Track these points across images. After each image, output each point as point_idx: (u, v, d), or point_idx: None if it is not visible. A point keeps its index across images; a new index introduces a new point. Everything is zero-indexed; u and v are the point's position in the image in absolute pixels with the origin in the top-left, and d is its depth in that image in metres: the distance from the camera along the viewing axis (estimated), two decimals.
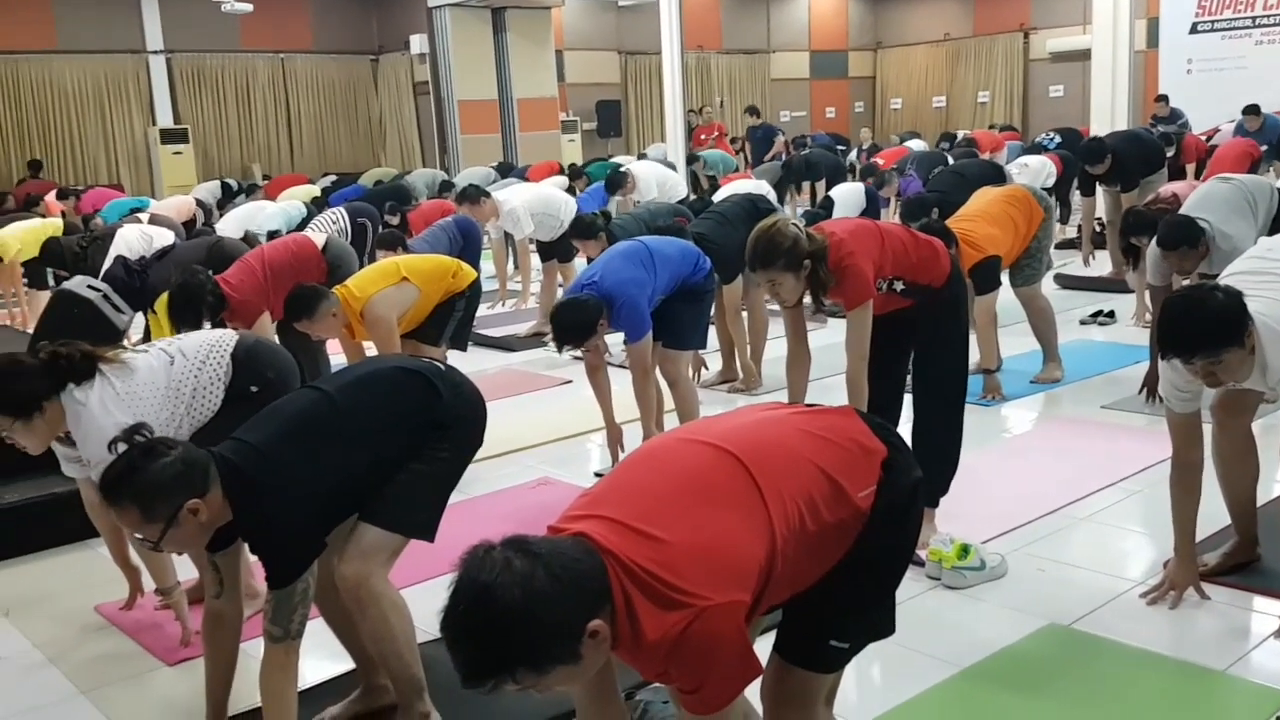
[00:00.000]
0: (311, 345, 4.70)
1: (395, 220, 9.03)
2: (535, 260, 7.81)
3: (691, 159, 11.69)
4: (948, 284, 3.34)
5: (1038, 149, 10.23)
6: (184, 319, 4.42)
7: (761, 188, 7.43)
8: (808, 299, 3.32)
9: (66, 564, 3.73)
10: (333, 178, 14.05)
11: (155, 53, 15.66)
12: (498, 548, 1.46)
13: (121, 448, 2.14)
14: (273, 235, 8.38)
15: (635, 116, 19.36)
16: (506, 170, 13.36)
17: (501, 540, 1.48)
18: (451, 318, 4.63)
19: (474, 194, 7.00)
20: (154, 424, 2.69)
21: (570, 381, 5.62)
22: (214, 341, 2.97)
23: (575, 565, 1.48)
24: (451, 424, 2.43)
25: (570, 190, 9.58)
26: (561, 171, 13.44)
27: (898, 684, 2.57)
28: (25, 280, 8.03)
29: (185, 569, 3.16)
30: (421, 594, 3.13)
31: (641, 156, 15.12)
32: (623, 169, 8.69)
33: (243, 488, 2.14)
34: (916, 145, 15.34)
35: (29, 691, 2.87)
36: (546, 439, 4.83)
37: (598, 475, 4.30)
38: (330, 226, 7.08)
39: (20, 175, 14.51)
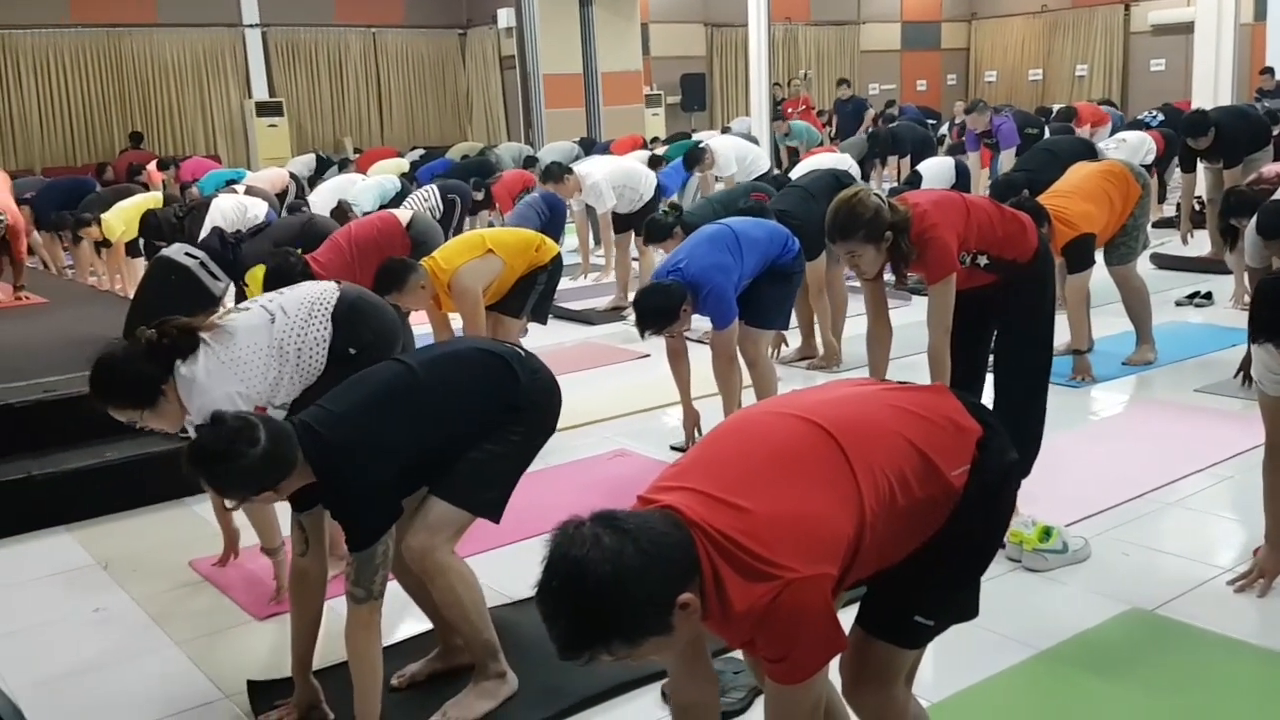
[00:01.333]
0: (398, 316, 4.81)
1: (480, 195, 9.19)
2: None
3: (776, 116, 11.46)
4: (1034, 260, 3.27)
5: (1140, 126, 9.93)
6: None
7: (844, 162, 7.34)
8: (889, 274, 3.29)
9: (163, 520, 3.88)
10: (421, 152, 14.25)
11: (251, 26, 16.01)
12: (587, 523, 1.48)
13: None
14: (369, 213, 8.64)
15: (720, 90, 19.23)
16: (590, 145, 13.38)
17: (590, 515, 1.50)
18: (533, 291, 4.69)
19: (557, 172, 7.08)
20: (260, 385, 2.80)
21: (648, 355, 5.63)
22: (315, 298, 2.99)
23: (663, 539, 1.49)
24: (527, 408, 2.48)
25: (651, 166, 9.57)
26: (645, 145, 13.39)
27: (975, 663, 2.55)
28: None
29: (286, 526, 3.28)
30: (501, 558, 3.21)
31: (725, 130, 15.01)
32: (702, 145, 8.64)
33: (324, 456, 2.20)
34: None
35: (126, 641, 3.00)
36: (624, 411, 4.86)
37: (674, 449, 4.32)
38: (422, 204, 7.28)
39: (122, 146, 15.01)
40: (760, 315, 4.22)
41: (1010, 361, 3.39)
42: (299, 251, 4.93)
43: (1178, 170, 7.52)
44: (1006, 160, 9.42)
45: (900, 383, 1.93)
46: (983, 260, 3.23)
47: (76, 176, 11.19)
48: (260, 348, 2.83)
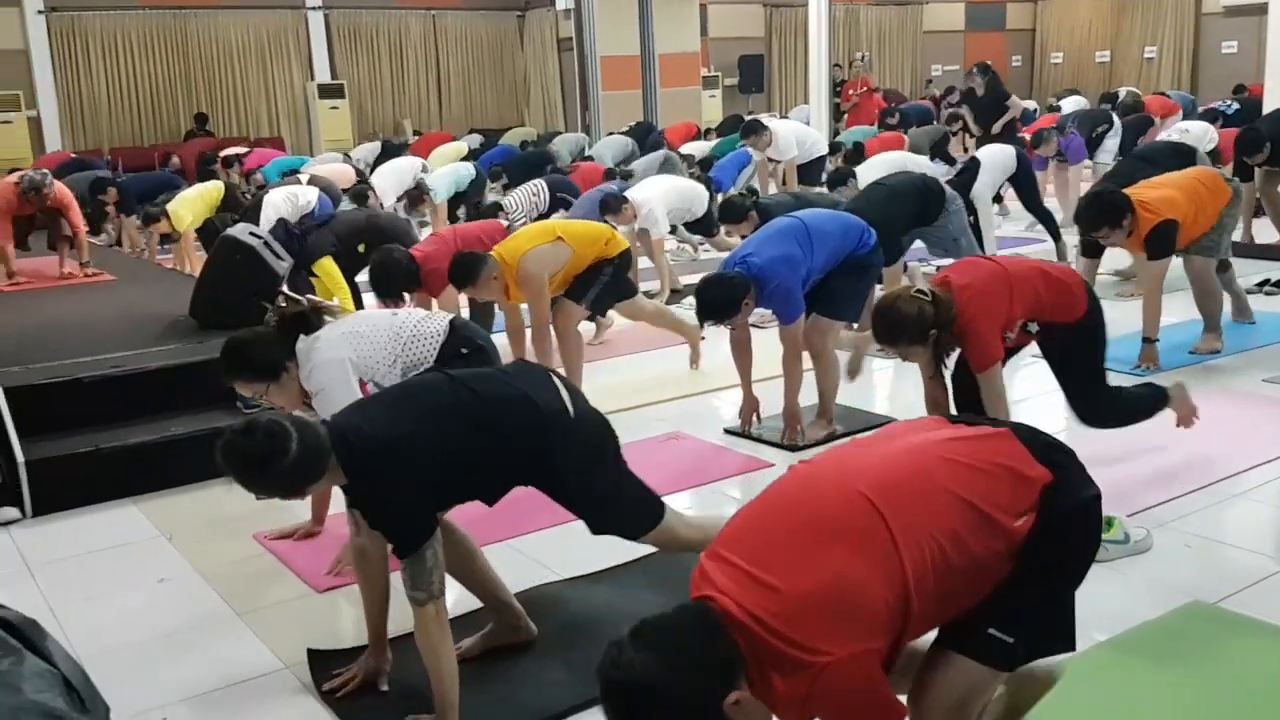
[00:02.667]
0: (487, 307, 5.21)
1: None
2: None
3: (834, 148, 11.16)
4: (1085, 317, 3.34)
5: (1214, 116, 9.67)
6: (385, 291, 4.87)
7: (920, 163, 7.35)
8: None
9: (226, 494, 3.93)
10: (480, 139, 14.23)
11: (314, 9, 16.18)
12: (625, 644, 1.54)
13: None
14: (459, 196, 8.90)
15: (778, 71, 19.07)
16: (646, 131, 13.32)
17: (629, 632, 1.56)
18: (598, 281, 4.75)
19: (615, 204, 7.05)
20: (371, 359, 3.04)
21: (703, 339, 5.62)
22: (434, 312, 3.39)
23: (699, 649, 1.54)
24: (571, 469, 2.46)
25: (706, 169, 9.49)
26: (699, 134, 13.28)
27: None
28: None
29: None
30: (553, 537, 3.24)
31: (784, 118, 14.87)
32: (761, 121, 8.56)
33: (357, 466, 2.23)
34: (1072, 104, 14.61)
35: (190, 611, 3.07)
36: (678, 394, 4.87)
37: (727, 432, 4.31)
38: (530, 199, 7.50)
39: (188, 127, 15.26)
40: (831, 306, 4.14)
41: (1077, 402, 3.53)
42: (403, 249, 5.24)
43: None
44: (1074, 176, 8.88)
45: (966, 426, 1.90)
46: (1032, 327, 3.33)
47: (162, 173, 11.52)
48: (380, 327, 3.14)
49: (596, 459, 2.51)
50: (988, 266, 3.36)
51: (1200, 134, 7.92)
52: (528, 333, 4.92)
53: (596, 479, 2.51)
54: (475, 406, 2.38)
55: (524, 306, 4.87)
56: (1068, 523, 1.77)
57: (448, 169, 9.66)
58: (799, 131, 8.48)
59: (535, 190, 7.59)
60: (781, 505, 1.76)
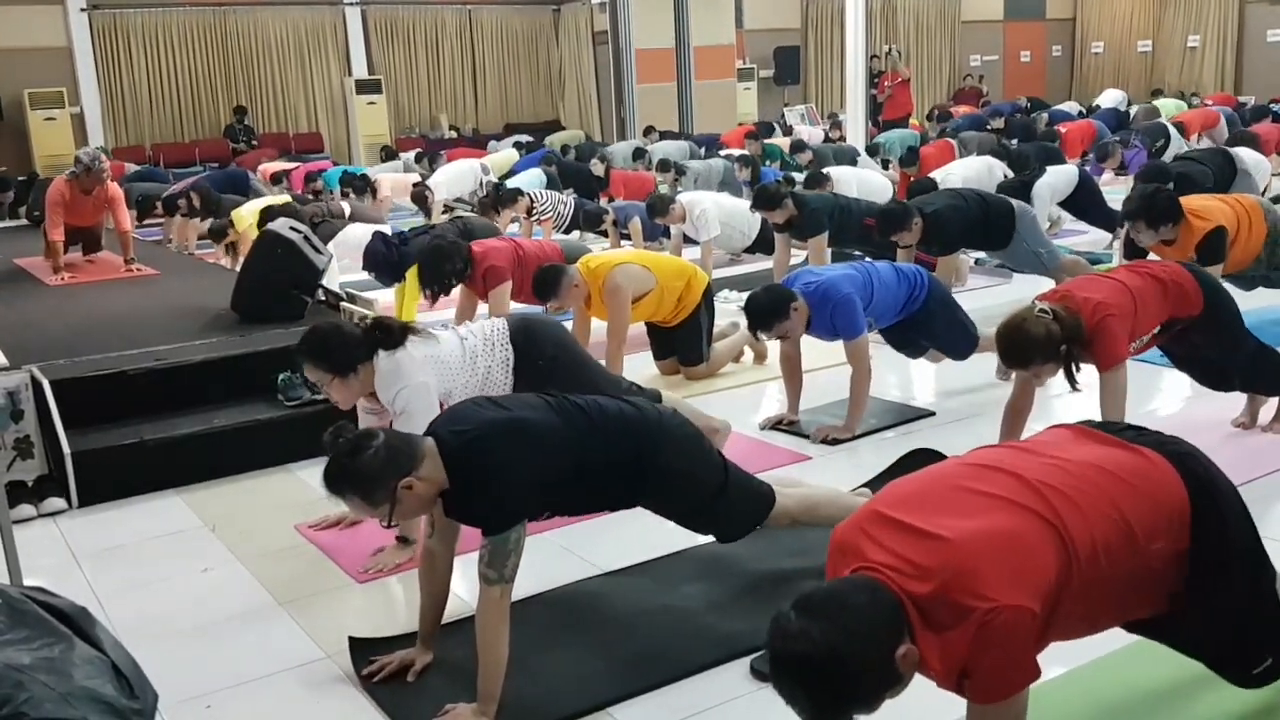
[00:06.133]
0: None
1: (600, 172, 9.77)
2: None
3: (872, 150, 11.09)
4: (1205, 307, 3.34)
5: (1263, 114, 9.53)
6: (431, 279, 4.97)
7: (986, 172, 7.45)
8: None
9: (269, 485, 3.99)
10: (524, 137, 14.14)
11: (351, 4, 16.26)
12: (792, 615, 1.57)
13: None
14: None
15: (814, 63, 18.94)
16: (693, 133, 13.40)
17: (792, 604, 1.59)
18: (701, 330, 4.87)
19: (661, 205, 7.07)
20: (456, 387, 3.23)
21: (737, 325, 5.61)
22: (490, 329, 3.48)
23: (865, 611, 1.58)
24: (669, 474, 2.57)
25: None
26: (758, 132, 13.23)
27: (1081, 643, 2.49)
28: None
29: None
30: (592, 530, 3.23)
31: (831, 116, 14.81)
32: (825, 170, 8.28)
33: (468, 442, 2.31)
34: (1110, 99, 14.41)
35: (233, 601, 3.10)
36: (715, 389, 4.85)
37: (761, 427, 4.29)
38: (559, 205, 8.17)
39: (227, 121, 15.40)
40: (950, 349, 4.39)
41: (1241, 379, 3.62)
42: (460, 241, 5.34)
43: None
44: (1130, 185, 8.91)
45: (1120, 439, 1.94)
46: (1155, 328, 3.32)
47: (232, 169, 11.77)
48: (456, 354, 3.33)
49: (700, 455, 2.63)
50: (1109, 282, 3.33)
51: (1254, 164, 7.76)
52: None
53: (703, 476, 2.62)
54: (580, 411, 2.50)
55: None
56: (1222, 546, 1.84)
57: (519, 178, 9.83)
58: (860, 179, 8.06)
59: (565, 200, 8.14)
60: (945, 481, 1.81)
